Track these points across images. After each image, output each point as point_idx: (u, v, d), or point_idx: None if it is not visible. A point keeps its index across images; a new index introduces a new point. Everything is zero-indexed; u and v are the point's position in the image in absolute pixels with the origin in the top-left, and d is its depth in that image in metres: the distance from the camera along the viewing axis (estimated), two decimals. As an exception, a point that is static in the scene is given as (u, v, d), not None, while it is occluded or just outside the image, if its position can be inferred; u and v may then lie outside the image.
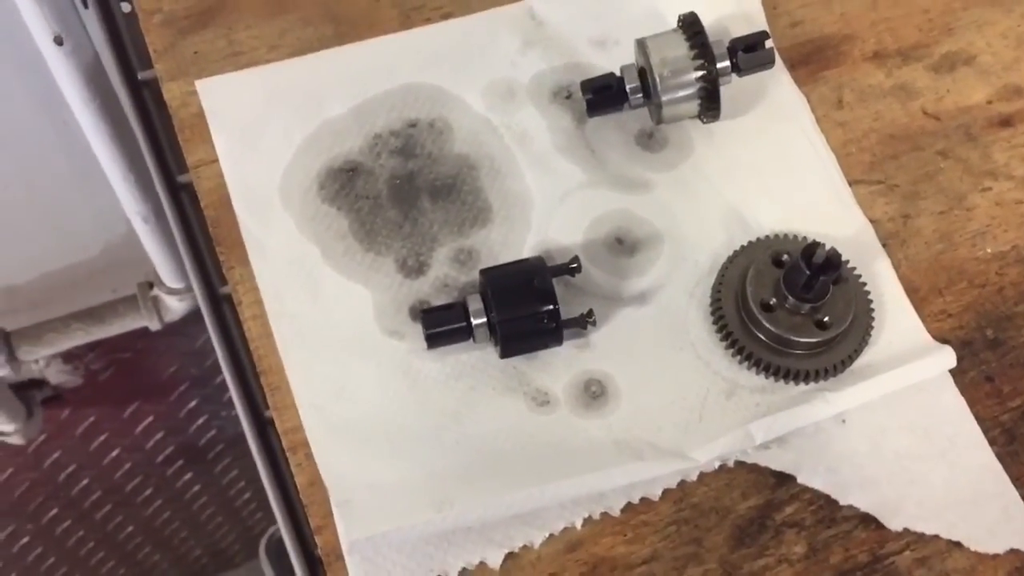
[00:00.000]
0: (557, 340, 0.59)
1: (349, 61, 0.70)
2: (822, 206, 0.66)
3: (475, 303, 0.59)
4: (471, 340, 0.59)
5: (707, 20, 0.70)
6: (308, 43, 0.72)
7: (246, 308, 0.62)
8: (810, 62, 0.72)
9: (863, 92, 0.71)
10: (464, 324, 0.58)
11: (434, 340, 0.59)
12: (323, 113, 0.68)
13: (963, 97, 0.71)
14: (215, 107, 0.67)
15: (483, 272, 0.60)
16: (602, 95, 0.67)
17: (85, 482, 1.75)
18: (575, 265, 0.60)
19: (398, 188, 0.66)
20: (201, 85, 0.68)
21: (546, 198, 0.66)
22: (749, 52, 0.66)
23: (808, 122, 0.69)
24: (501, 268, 0.60)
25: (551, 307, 0.57)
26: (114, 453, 1.72)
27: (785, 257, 0.62)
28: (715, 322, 0.62)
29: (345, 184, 0.66)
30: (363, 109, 0.68)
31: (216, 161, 0.66)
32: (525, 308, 0.58)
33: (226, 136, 0.67)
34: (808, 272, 0.57)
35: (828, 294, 0.59)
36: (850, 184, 0.68)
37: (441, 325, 0.59)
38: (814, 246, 0.58)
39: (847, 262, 0.62)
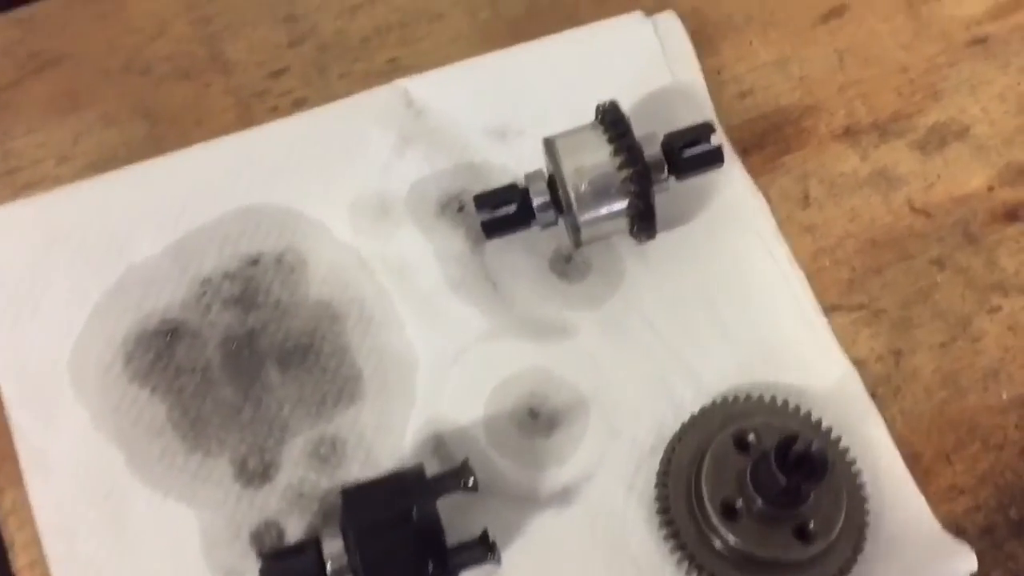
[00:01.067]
0: (449, 584, 0.43)
1: (164, 178, 0.52)
2: (791, 347, 0.51)
3: (332, 543, 0.43)
4: (332, 590, 0.43)
5: (634, 97, 0.55)
6: (112, 150, 0.54)
7: (20, 552, 0.45)
8: (766, 144, 0.57)
9: (834, 182, 0.56)
10: (317, 574, 0.42)
11: (279, 598, 0.43)
12: (128, 255, 0.51)
13: (957, 183, 0.56)
14: (-28, 259, 0.50)
15: (345, 495, 0.44)
16: (502, 215, 0.51)
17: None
18: (470, 484, 0.44)
19: (235, 355, 0.50)
20: (-49, 229, 0.50)
21: (435, 357, 0.50)
22: (690, 149, 0.51)
23: (768, 228, 0.54)
24: (367, 490, 0.44)
25: (435, 550, 0.42)
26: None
27: (751, 438, 0.46)
28: (662, 525, 0.47)
29: (162, 353, 0.49)
30: (185, 246, 0.51)
31: (-22, 334, 0.49)
32: (400, 552, 0.41)
33: (-11, 299, 0.49)
34: (783, 477, 0.42)
35: (810, 497, 0.44)
36: (825, 311, 0.52)
37: (287, 577, 0.43)
38: (789, 442, 0.42)
39: (829, 431, 0.47)
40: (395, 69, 0.57)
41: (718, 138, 0.51)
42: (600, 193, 0.49)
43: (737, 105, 0.58)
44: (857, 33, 0.60)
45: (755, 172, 0.56)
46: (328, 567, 0.42)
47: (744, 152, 0.56)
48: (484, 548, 0.43)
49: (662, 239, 0.53)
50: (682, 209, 0.54)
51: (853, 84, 0.59)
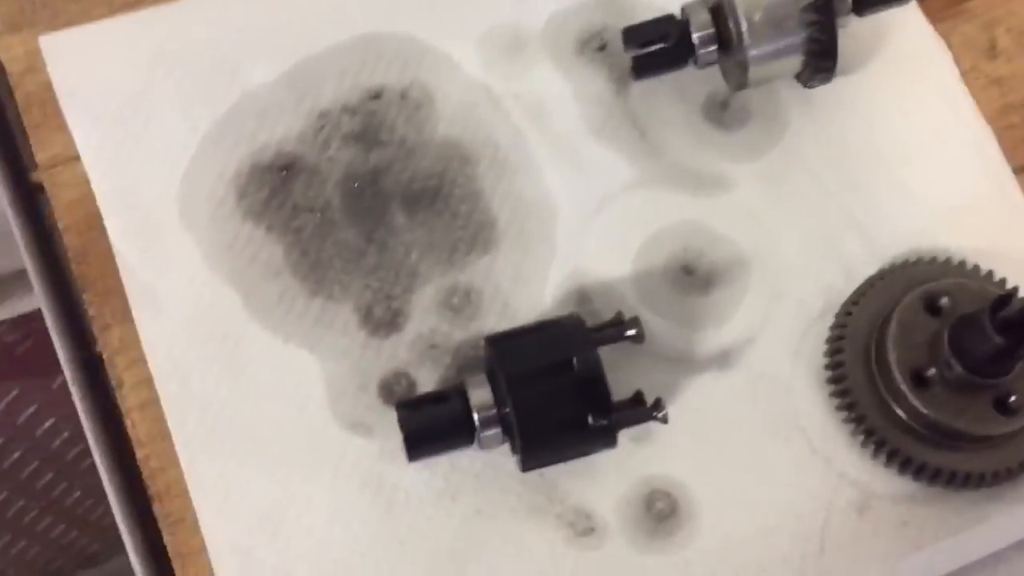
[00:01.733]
0: (608, 443, 0.39)
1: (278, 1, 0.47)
2: (978, 209, 0.45)
3: (480, 390, 0.38)
4: (475, 445, 0.39)
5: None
6: (217, -30, 0.49)
7: (129, 392, 0.41)
8: (946, -12, 0.51)
9: (1024, 32, 0.50)
10: (464, 424, 0.38)
11: (419, 449, 0.38)
12: (241, 82, 0.45)
13: None
14: (72, 77, 0.44)
15: (492, 344, 0.39)
16: (656, 50, 0.45)
17: (18, 454, 1.58)
18: (634, 332, 0.39)
19: (357, 195, 0.45)
20: (48, 43, 0.45)
21: (576, 206, 0.45)
22: (875, -20, 0.45)
23: (951, 80, 0.48)
24: (518, 338, 0.39)
25: (598, 403, 0.37)
26: (48, 423, 1.55)
27: (944, 301, 0.41)
28: (835, 395, 0.42)
29: (278, 190, 0.44)
30: (301, 74, 0.46)
31: (79, 159, 0.44)
32: (560, 406, 0.37)
33: (91, 122, 0.44)
34: (1001, 339, 0.37)
35: (1016, 367, 0.39)
36: (1015, 171, 0.47)
37: (429, 427, 0.38)
38: (1004, 300, 0.37)
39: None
40: None
41: (905, -31, 0.45)
42: (776, 25, 0.43)
43: (912, -58, 0.51)
44: None
45: (935, 18, 0.49)
46: (475, 417, 0.38)
47: (922, -5, 0.50)
48: (649, 407, 0.38)
49: (830, 88, 0.47)
50: (852, 56, 0.48)
51: (1045, -77, 0.52)
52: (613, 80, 0.48)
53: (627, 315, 0.42)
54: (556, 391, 0.37)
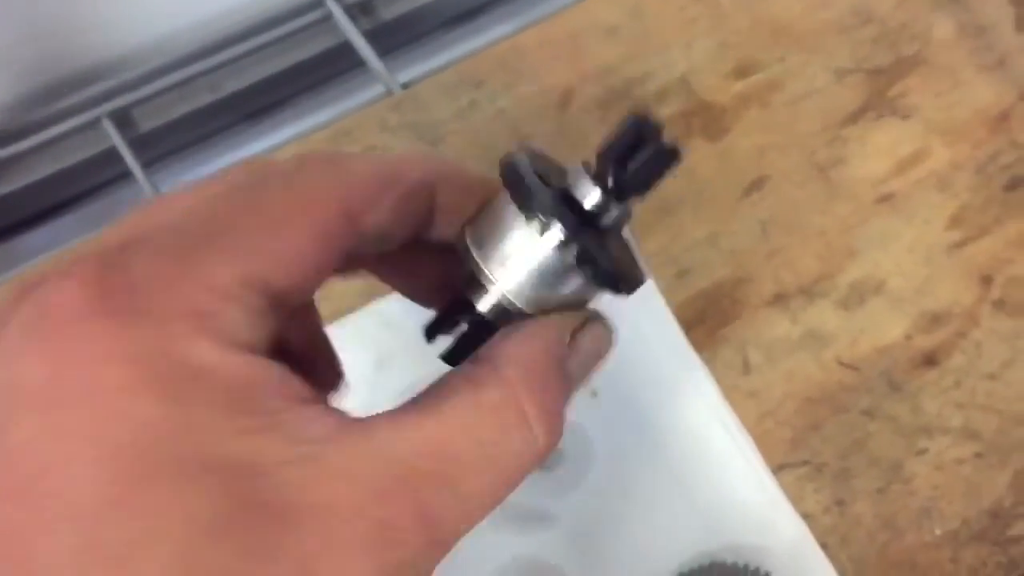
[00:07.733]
0: None
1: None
2: (750, 513, 0.58)
3: None
4: None
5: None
6: None
7: None
8: (706, 319, 0.64)
9: (770, 348, 0.63)
10: None
11: None
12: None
13: (879, 336, 0.63)
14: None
15: None
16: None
17: None
18: None
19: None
20: None
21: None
22: (634, 159, 0.30)
23: (716, 399, 0.61)
24: None
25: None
26: None
27: (715, 604, 0.53)
28: None
29: None
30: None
31: None
32: None
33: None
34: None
35: None
36: (774, 471, 0.59)
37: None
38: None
39: (786, 588, 0.53)
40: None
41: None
42: (547, 283, 0.31)
43: (677, 285, 0.65)
44: (777, 203, 0.67)
45: (699, 346, 0.62)
46: None
47: (688, 328, 0.63)
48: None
49: (618, 413, 0.59)
50: (629, 386, 0.61)
51: (778, 252, 0.66)
52: (452, 437, 0.60)
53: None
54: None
